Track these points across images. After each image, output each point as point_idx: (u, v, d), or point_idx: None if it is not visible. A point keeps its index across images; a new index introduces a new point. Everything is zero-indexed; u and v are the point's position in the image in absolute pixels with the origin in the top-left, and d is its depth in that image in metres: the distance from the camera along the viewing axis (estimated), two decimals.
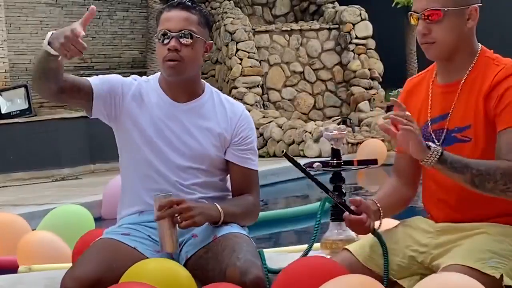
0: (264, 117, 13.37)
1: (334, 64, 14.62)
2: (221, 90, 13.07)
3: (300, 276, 2.62)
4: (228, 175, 3.23)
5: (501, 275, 2.48)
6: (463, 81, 2.67)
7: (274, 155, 12.54)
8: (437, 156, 2.52)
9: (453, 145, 2.66)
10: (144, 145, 3.13)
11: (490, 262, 2.51)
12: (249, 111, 13.55)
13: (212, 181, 3.17)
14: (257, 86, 13.89)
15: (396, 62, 14.73)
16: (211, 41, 3.23)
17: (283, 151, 2.88)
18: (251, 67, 13.90)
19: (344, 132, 3.92)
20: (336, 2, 15.30)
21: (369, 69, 14.38)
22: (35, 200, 8.55)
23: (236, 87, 13.79)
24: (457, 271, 2.45)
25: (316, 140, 12.23)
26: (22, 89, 12.15)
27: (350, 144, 12.20)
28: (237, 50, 13.94)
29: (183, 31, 3.08)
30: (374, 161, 3.81)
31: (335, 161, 3.64)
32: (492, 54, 2.72)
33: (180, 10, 3.11)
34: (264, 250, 3.22)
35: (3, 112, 11.93)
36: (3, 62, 12.81)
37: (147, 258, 2.99)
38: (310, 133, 12.23)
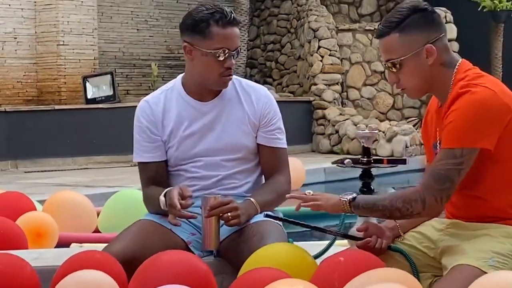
0: (340, 114, 13.41)
1: None
2: (301, 86, 13.03)
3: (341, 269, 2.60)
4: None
5: None
6: (446, 106, 2.72)
7: (348, 152, 12.65)
8: (348, 203, 2.70)
9: None
10: (182, 158, 3.25)
11: (491, 262, 2.59)
12: (326, 108, 13.59)
13: (249, 168, 3.29)
14: (337, 83, 13.90)
15: (480, 66, 14.37)
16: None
17: (265, 214, 3.02)
18: (331, 64, 13.91)
19: (375, 131, 4.02)
20: None
21: None
22: (107, 182, 8.83)
23: (315, 84, 13.84)
24: (460, 271, 2.57)
25: (389, 140, 12.25)
26: (108, 76, 12.53)
27: (423, 146, 12.19)
28: (319, 47, 13.97)
29: (237, 49, 3.18)
30: (403, 161, 3.93)
31: (365, 159, 3.75)
32: (463, 72, 2.73)
33: (233, 27, 3.15)
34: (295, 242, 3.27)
35: (89, 97, 12.31)
36: (93, 50, 13.15)
37: (182, 239, 3.14)
38: (383, 132, 12.28)
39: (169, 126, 3.24)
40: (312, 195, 2.77)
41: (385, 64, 2.78)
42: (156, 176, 3.19)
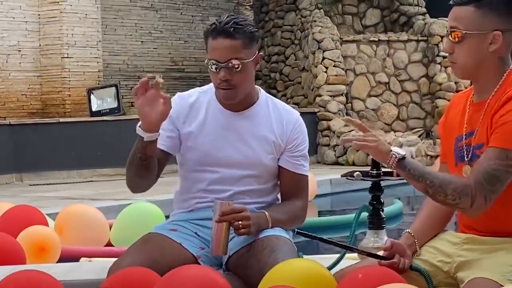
0: (345, 125, 13.47)
1: (420, 76, 14.61)
2: (306, 98, 12.97)
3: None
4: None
5: None
6: (488, 101, 2.69)
7: (353, 164, 12.68)
8: (396, 160, 2.59)
9: (474, 161, 2.72)
10: (200, 162, 3.22)
11: (509, 276, 2.57)
12: (331, 119, 13.61)
13: (264, 188, 3.25)
14: (341, 94, 13.97)
15: None
16: (261, 53, 3.27)
17: (295, 230, 2.95)
18: (336, 75, 13.98)
19: None
20: (426, 14, 15.24)
21: (455, 83, 14.36)
22: (113, 195, 8.86)
23: (320, 95, 13.90)
24: (478, 284, 2.54)
25: None
26: (113, 89, 12.60)
27: (429, 157, 12.21)
28: (323, 58, 14.04)
29: (230, 61, 3.08)
30: None
31: (374, 172, 3.72)
32: None
33: (224, 39, 3.08)
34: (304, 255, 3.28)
35: (93, 110, 12.40)
36: (97, 62, 13.27)
37: (192, 254, 3.10)
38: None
39: (192, 125, 3.21)
40: (364, 135, 2.65)
41: (448, 31, 2.74)
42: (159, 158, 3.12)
